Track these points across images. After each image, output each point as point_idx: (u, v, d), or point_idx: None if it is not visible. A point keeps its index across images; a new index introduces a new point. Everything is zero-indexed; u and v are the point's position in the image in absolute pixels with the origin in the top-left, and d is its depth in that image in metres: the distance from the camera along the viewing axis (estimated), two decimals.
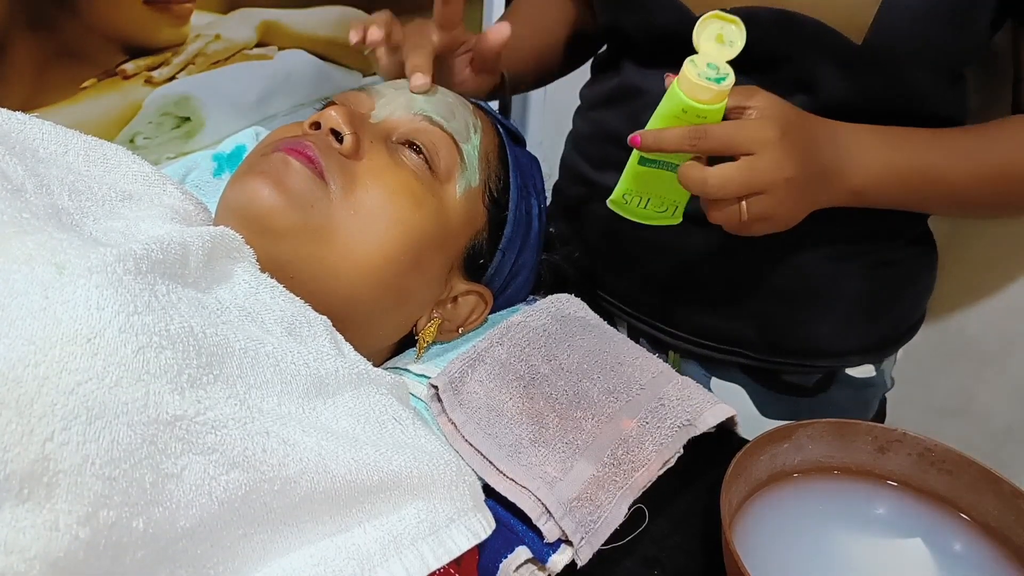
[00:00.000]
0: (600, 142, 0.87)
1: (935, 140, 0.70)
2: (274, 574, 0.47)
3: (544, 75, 0.98)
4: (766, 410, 0.89)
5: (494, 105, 0.84)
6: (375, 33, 0.72)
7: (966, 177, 0.70)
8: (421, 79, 0.71)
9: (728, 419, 0.69)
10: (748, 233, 0.66)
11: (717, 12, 0.63)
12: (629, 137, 0.65)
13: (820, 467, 0.66)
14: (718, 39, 0.64)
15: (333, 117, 0.65)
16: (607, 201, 0.71)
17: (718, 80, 0.62)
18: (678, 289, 0.86)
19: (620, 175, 0.82)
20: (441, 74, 0.77)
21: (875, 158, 0.68)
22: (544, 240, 0.81)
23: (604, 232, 0.89)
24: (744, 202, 0.64)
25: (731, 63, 0.66)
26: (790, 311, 0.84)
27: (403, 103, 0.71)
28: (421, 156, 0.67)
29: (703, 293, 0.85)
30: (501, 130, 0.78)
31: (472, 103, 0.77)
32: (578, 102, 0.96)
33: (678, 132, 0.63)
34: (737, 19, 0.63)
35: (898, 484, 0.65)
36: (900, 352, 0.93)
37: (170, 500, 0.42)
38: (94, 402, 0.40)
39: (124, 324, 0.42)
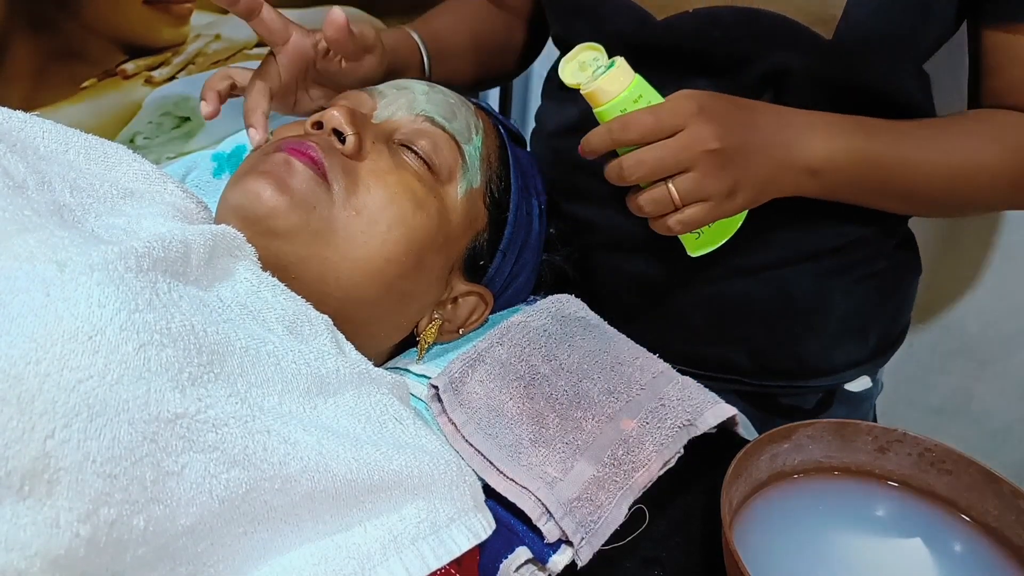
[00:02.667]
0: (566, 171, 0.84)
1: (895, 129, 0.70)
2: (274, 572, 0.47)
3: (482, 73, 0.93)
4: None
5: (495, 105, 0.83)
6: (205, 108, 0.71)
7: (925, 166, 0.69)
8: (253, 134, 0.67)
9: (728, 419, 0.69)
10: (691, 221, 0.64)
11: (568, 55, 0.66)
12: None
13: (820, 467, 0.66)
14: (582, 68, 0.66)
15: (336, 117, 0.65)
16: (690, 255, 0.70)
17: (608, 68, 0.64)
18: (663, 319, 0.84)
19: (591, 205, 0.81)
20: (322, 75, 0.73)
21: (832, 137, 0.67)
22: (544, 240, 0.81)
23: (578, 265, 0.87)
24: (671, 183, 0.63)
25: (695, 67, 0.69)
26: (778, 333, 0.82)
27: (405, 103, 0.70)
28: (420, 159, 0.67)
29: (689, 321, 0.83)
30: (502, 130, 0.78)
31: (473, 103, 0.77)
32: None
33: (601, 129, 0.63)
34: (586, 46, 0.66)
35: (898, 484, 0.65)
36: (900, 352, 0.92)
37: (171, 498, 0.42)
38: (95, 399, 0.40)
39: (125, 322, 0.42)
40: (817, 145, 0.67)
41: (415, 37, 0.82)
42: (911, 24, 0.67)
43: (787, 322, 0.82)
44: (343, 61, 0.72)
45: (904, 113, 0.71)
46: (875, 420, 0.95)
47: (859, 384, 0.87)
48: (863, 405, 0.90)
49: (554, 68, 0.91)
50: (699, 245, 0.70)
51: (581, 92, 0.65)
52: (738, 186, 0.65)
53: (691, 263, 0.72)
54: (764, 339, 0.83)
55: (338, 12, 0.67)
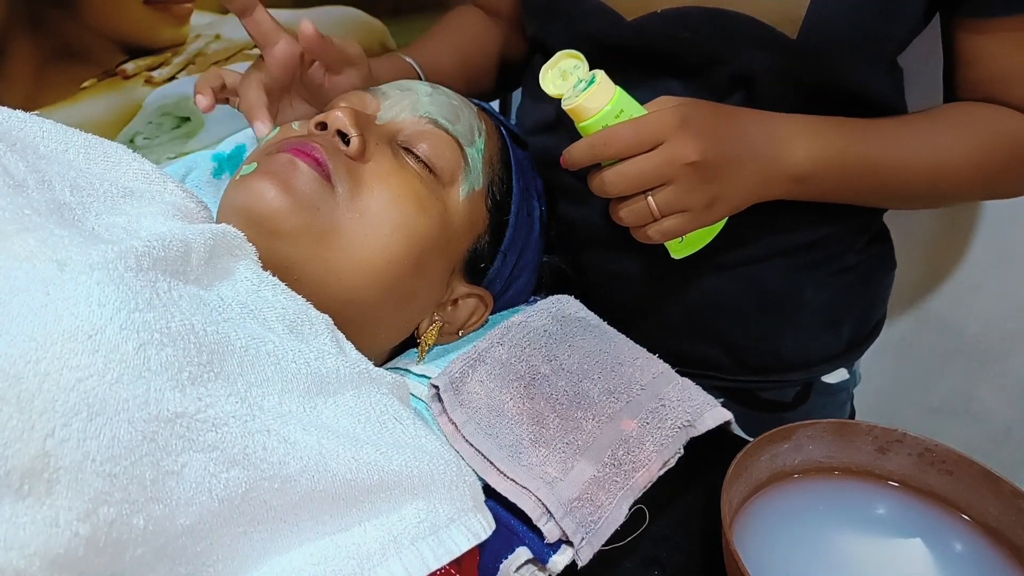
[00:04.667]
0: (543, 168, 0.84)
1: (875, 128, 0.70)
2: (274, 572, 0.47)
3: (477, 91, 0.93)
4: (750, 430, 0.88)
5: (495, 106, 0.83)
6: (202, 102, 0.71)
7: (908, 165, 0.70)
8: (260, 127, 0.69)
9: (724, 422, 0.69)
10: (670, 232, 0.65)
11: (549, 63, 0.67)
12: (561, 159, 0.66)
13: (820, 467, 0.66)
14: (563, 76, 0.67)
15: (340, 118, 0.65)
16: (673, 258, 0.71)
17: (590, 83, 0.64)
18: (639, 317, 0.84)
19: (569, 202, 0.81)
20: (307, 89, 0.74)
21: (816, 143, 0.68)
22: (545, 242, 0.80)
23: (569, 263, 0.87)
24: (650, 196, 0.64)
25: (666, 68, 0.69)
26: (753, 328, 0.83)
27: (408, 105, 0.70)
28: (421, 162, 0.67)
29: (664, 319, 0.84)
30: (504, 132, 0.78)
31: (476, 105, 0.77)
32: None
33: (583, 144, 0.64)
34: (566, 53, 0.66)
35: (898, 484, 0.65)
36: (899, 352, 0.92)
37: (170, 497, 0.42)
38: (95, 399, 0.40)
39: (125, 321, 0.42)
40: (803, 153, 0.67)
41: (411, 62, 0.83)
42: (877, 22, 0.67)
43: (761, 317, 0.82)
44: (326, 75, 0.73)
45: (875, 110, 0.72)
46: (853, 410, 0.96)
47: (836, 376, 0.88)
48: (840, 395, 0.91)
49: (534, 66, 0.91)
50: (682, 249, 0.70)
51: (563, 107, 0.65)
52: (718, 197, 0.65)
53: (665, 260, 0.72)
54: (740, 335, 0.83)
55: (306, 22, 0.68)
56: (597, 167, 0.65)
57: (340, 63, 0.72)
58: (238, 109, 0.73)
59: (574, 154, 0.65)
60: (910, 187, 0.72)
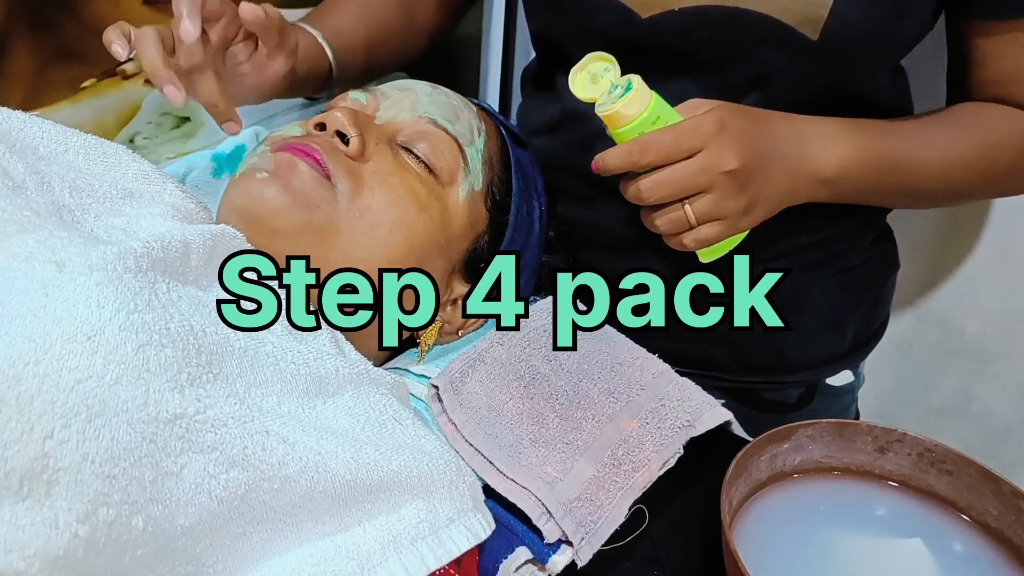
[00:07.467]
0: (547, 170, 0.82)
1: (895, 129, 0.70)
2: (273, 573, 0.47)
3: (375, 68, 0.88)
4: (753, 431, 0.87)
5: (495, 105, 0.82)
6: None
7: (928, 165, 0.70)
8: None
9: (724, 422, 0.69)
10: (706, 240, 0.65)
11: (578, 65, 0.65)
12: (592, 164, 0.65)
13: (820, 467, 0.66)
14: (593, 80, 0.65)
15: (339, 119, 0.65)
16: (701, 261, 0.70)
17: (627, 89, 0.63)
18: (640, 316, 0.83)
19: (573, 204, 0.81)
20: (228, 65, 0.68)
21: (845, 145, 0.68)
22: (545, 242, 0.80)
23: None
24: (688, 204, 0.63)
25: (678, 67, 0.68)
26: (756, 329, 0.81)
27: (408, 105, 0.70)
28: (421, 162, 0.67)
29: (667, 319, 0.82)
30: (504, 132, 0.77)
31: (475, 104, 0.77)
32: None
33: (619, 151, 0.63)
34: (596, 56, 0.64)
35: (898, 484, 0.65)
36: (900, 352, 0.92)
37: (169, 498, 0.42)
38: (94, 400, 0.40)
39: (124, 322, 0.42)
40: (830, 155, 0.67)
41: (324, 47, 0.78)
42: (892, 23, 0.67)
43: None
44: (254, 55, 0.69)
45: (880, 111, 0.72)
46: (858, 412, 0.96)
47: (840, 378, 0.88)
48: (845, 398, 0.90)
49: (532, 65, 0.90)
50: (711, 253, 0.70)
51: (597, 112, 0.64)
52: (754, 204, 0.65)
53: (668, 261, 0.72)
54: (742, 334, 0.82)
55: (248, 4, 0.64)
56: (629, 173, 0.65)
57: (276, 46, 0.69)
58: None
59: (609, 161, 0.63)
60: (927, 187, 0.72)
